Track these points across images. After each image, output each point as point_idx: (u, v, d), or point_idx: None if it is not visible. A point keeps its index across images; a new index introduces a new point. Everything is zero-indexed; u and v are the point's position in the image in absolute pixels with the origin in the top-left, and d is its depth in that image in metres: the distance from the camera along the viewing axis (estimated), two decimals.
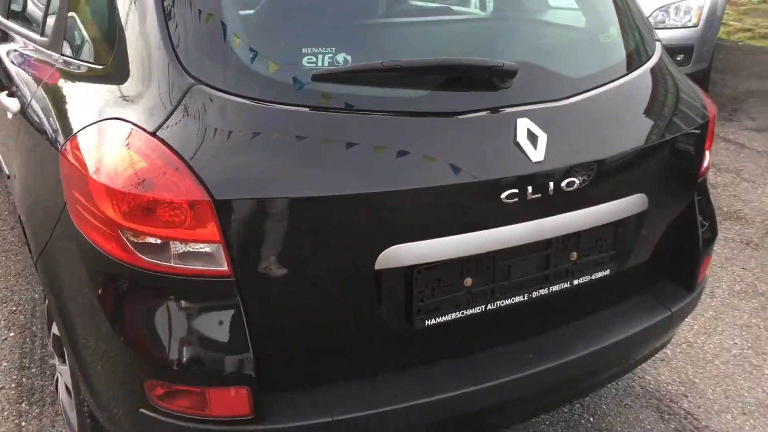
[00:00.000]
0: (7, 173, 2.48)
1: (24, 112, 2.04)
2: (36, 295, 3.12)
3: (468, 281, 1.68)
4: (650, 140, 1.86)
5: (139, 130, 1.52)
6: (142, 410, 1.59)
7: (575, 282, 1.84)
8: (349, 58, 1.61)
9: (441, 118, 1.61)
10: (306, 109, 1.55)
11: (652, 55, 2.04)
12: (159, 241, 1.48)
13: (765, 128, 5.50)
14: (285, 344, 1.58)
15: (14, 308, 3.05)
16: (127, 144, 1.52)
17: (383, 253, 1.55)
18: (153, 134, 1.50)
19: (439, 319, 1.67)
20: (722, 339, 2.94)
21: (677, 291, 2.10)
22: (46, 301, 2.11)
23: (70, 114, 1.76)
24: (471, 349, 1.78)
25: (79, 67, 1.87)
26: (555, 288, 1.81)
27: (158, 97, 1.55)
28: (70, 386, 1.98)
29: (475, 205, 1.61)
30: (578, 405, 2.55)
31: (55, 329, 2.03)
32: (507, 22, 2.05)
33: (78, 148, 1.61)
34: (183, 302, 1.52)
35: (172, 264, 1.49)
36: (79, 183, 1.57)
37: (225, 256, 1.48)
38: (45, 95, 1.95)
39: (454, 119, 1.62)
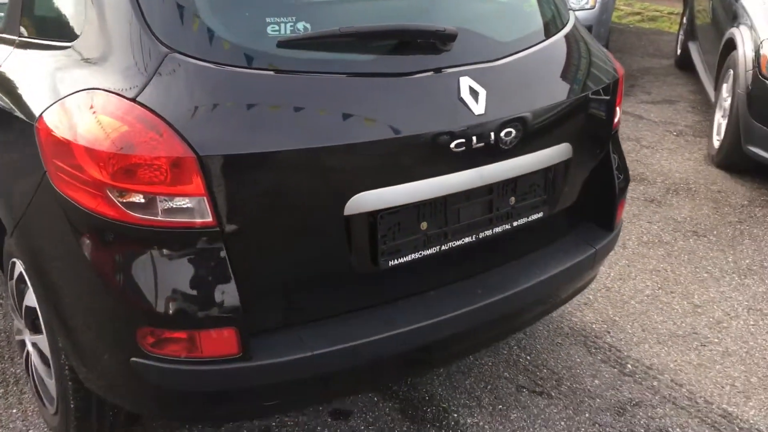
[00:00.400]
0: None
1: None
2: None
3: (424, 225, 1.88)
4: (571, 96, 2.11)
5: (119, 97, 1.65)
6: (134, 359, 1.72)
7: (514, 224, 2.07)
8: (308, 26, 1.78)
9: (393, 78, 1.81)
10: (272, 73, 1.71)
11: (567, 23, 2.29)
12: (146, 198, 1.61)
13: (659, 101, 5.95)
14: (267, 288, 1.74)
15: None
16: (109, 111, 1.64)
17: (351, 200, 1.73)
18: (133, 100, 1.63)
19: (401, 260, 1.87)
20: (635, 282, 3.26)
21: (599, 232, 2.37)
22: (15, 276, 2.19)
23: (39, 90, 1.85)
24: (428, 287, 1.98)
25: (42, 45, 1.96)
26: (498, 229, 2.03)
27: (135, 67, 1.67)
28: (48, 354, 2.06)
29: (427, 155, 1.81)
30: (515, 346, 2.80)
31: (28, 301, 2.11)
32: None
33: (56, 120, 1.72)
34: (172, 253, 1.65)
35: (159, 218, 1.63)
36: (61, 151, 1.68)
37: (209, 207, 1.62)
38: (7, 75, 2.02)
39: (405, 78, 1.82)
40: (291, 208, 1.70)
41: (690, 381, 2.64)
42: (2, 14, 2.28)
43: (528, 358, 2.75)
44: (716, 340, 2.87)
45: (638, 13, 9.97)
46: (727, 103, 4.56)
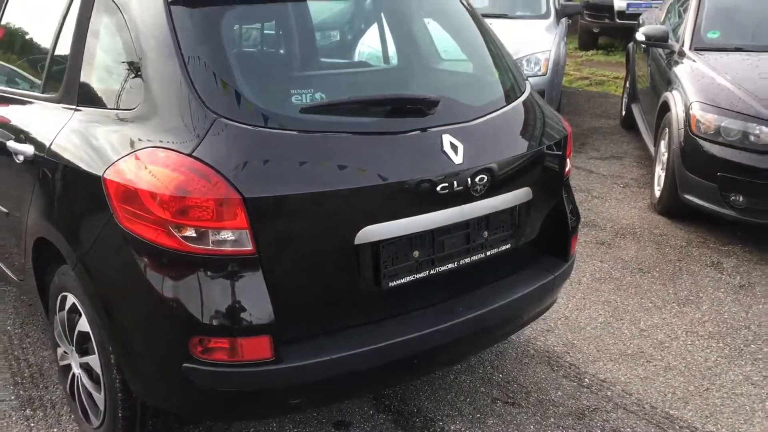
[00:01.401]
0: (5, 210, 2.89)
1: (43, 154, 2.51)
2: (9, 326, 3.47)
3: (416, 253, 2.33)
4: (530, 149, 2.61)
5: (178, 153, 2.09)
6: (185, 365, 2.11)
7: (488, 253, 2.53)
8: (324, 95, 2.26)
9: (391, 135, 2.28)
10: (296, 132, 2.17)
11: (524, 90, 2.81)
12: (200, 232, 2.03)
13: (607, 157, 6.56)
14: (293, 304, 2.16)
15: None
16: (170, 164, 2.07)
17: (360, 231, 2.18)
18: (190, 155, 2.07)
19: (398, 282, 2.31)
20: (590, 312, 3.74)
21: (556, 262, 2.84)
22: (66, 307, 2.55)
23: (104, 149, 2.27)
24: (420, 305, 2.42)
25: (101, 113, 2.39)
26: (474, 258, 2.49)
27: (189, 129, 2.11)
28: (99, 371, 2.42)
29: (418, 196, 2.28)
30: (489, 366, 3.23)
31: (80, 327, 2.48)
32: (423, 70, 2.77)
33: (122, 173, 2.14)
34: (219, 275, 2.07)
35: (210, 247, 2.05)
36: (128, 197, 2.10)
37: (251, 239, 2.05)
38: (70, 138, 2.43)
39: (400, 136, 2.29)
40: (313, 238, 2.14)
41: (638, 391, 3.09)
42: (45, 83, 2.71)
43: (500, 375, 3.18)
44: (659, 358, 3.34)
45: (586, 78, 10.74)
46: (664, 158, 5.15)
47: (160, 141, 2.14)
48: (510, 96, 2.72)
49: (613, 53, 12.45)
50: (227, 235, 2.05)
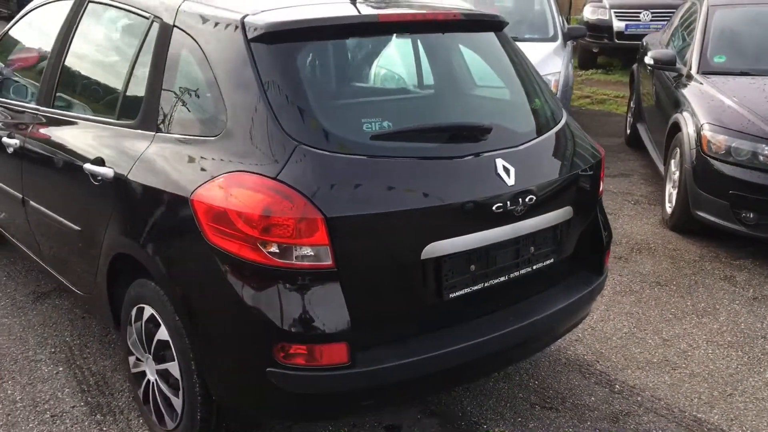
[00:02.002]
0: (78, 228, 3.09)
1: (125, 176, 2.71)
2: (68, 337, 3.66)
3: (472, 267, 2.55)
4: (570, 171, 2.83)
5: (263, 177, 2.30)
6: (269, 369, 2.32)
7: (534, 267, 2.75)
8: (390, 124, 2.48)
9: (451, 159, 2.51)
10: (366, 157, 2.39)
11: (562, 117, 3.04)
12: (285, 248, 2.25)
13: (616, 175, 6.80)
14: (366, 313, 2.36)
15: (52, 350, 3.58)
16: (257, 186, 2.29)
17: (426, 247, 2.40)
18: (275, 179, 2.29)
19: (457, 294, 2.52)
20: (614, 323, 3.96)
21: (592, 275, 3.06)
22: (144, 318, 2.75)
23: (189, 172, 2.48)
24: (475, 315, 2.63)
25: (184, 139, 2.59)
26: (522, 271, 2.71)
27: (272, 155, 2.33)
28: (177, 376, 2.62)
29: (476, 215, 2.50)
30: (525, 374, 3.44)
31: (159, 336, 2.68)
32: (472, 99, 3.00)
33: (210, 194, 2.35)
34: (302, 287, 2.28)
35: (294, 262, 2.26)
36: (217, 216, 2.31)
37: (331, 254, 2.27)
38: (152, 162, 2.64)
39: (459, 160, 2.52)
40: (384, 253, 2.36)
41: (666, 396, 3.31)
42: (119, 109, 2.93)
43: (536, 382, 3.39)
44: (684, 365, 3.56)
45: (588, 97, 11.01)
46: (675, 176, 5.39)
47: (245, 165, 2.35)
48: (550, 123, 2.94)
49: (612, 72, 12.74)
50: (309, 250, 2.26)
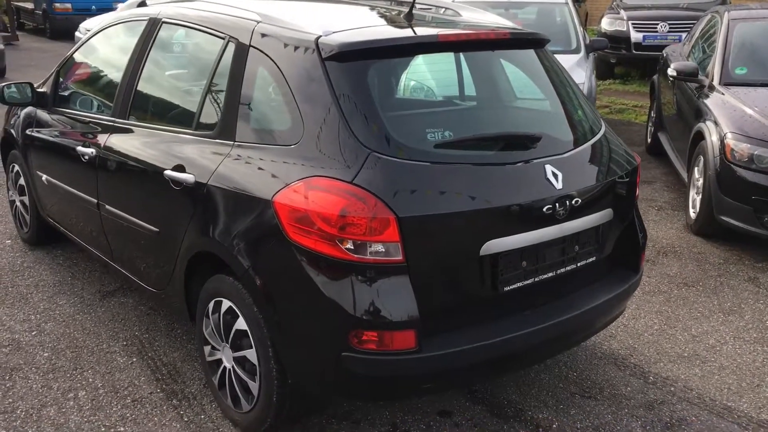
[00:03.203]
0: (156, 229, 3.38)
1: (206, 181, 3.00)
2: (137, 332, 3.95)
3: (524, 263, 2.81)
4: (610, 176, 3.10)
5: (340, 181, 2.58)
6: (344, 354, 2.59)
7: (578, 264, 3.01)
8: (451, 133, 2.76)
9: (505, 165, 2.78)
10: (430, 164, 2.66)
11: (602, 126, 3.30)
12: (361, 244, 2.52)
13: (640, 182, 7.03)
14: (430, 303, 2.63)
15: (124, 343, 3.86)
16: (335, 190, 2.57)
17: (484, 244, 2.67)
18: (351, 182, 2.56)
19: (510, 287, 2.79)
20: (645, 320, 4.20)
21: (629, 273, 3.31)
22: (222, 310, 3.03)
23: (270, 177, 2.76)
24: (525, 308, 2.89)
25: (262, 148, 2.88)
26: (567, 268, 2.97)
27: (347, 162, 2.60)
28: (255, 362, 2.89)
29: (528, 216, 2.76)
30: (563, 366, 3.70)
31: (238, 326, 2.95)
32: (520, 109, 3.27)
33: (291, 197, 2.63)
34: (375, 279, 2.55)
35: (368, 257, 2.53)
36: (298, 216, 2.59)
37: (401, 250, 2.54)
38: (233, 169, 2.92)
39: (511, 166, 2.78)
40: (448, 249, 2.63)
41: (697, 387, 3.55)
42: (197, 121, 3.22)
43: (575, 373, 3.64)
44: (713, 359, 3.80)
45: (606, 106, 11.25)
46: (699, 183, 5.63)
47: (323, 171, 2.63)
48: (591, 132, 3.21)
49: (630, 82, 12.97)
50: (382, 246, 2.53)
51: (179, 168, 3.17)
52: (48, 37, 19.27)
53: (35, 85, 4.57)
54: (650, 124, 8.38)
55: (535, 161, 2.85)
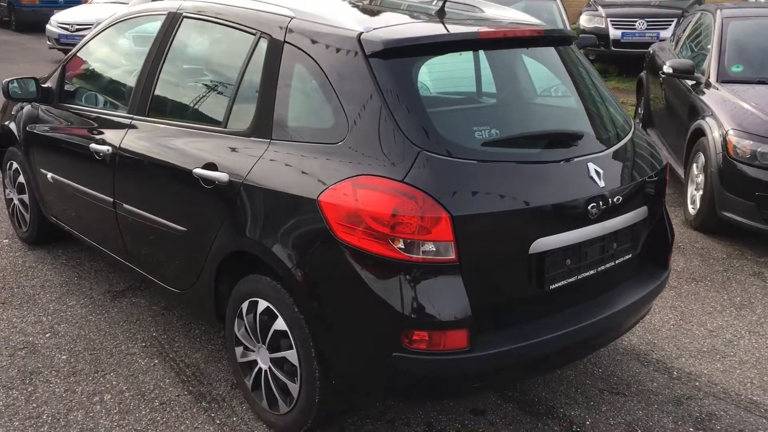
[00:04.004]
0: (183, 229, 3.31)
1: (242, 180, 2.94)
2: (155, 333, 3.87)
3: (568, 261, 2.81)
4: (645, 174, 3.11)
5: (391, 180, 2.55)
6: (395, 354, 2.56)
7: (616, 262, 3.02)
8: (498, 131, 2.74)
9: (551, 163, 2.77)
10: (480, 162, 2.65)
11: (632, 125, 3.32)
12: (415, 244, 2.49)
13: None
14: (481, 302, 2.61)
15: (143, 344, 3.79)
16: (385, 188, 2.53)
17: (533, 243, 2.66)
18: (402, 182, 2.53)
19: (555, 285, 2.79)
20: (661, 316, 4.24)
21: (659, 270, 3.33)
22: (259, 311, 2.97)
23: (314, 176, 2.71)
24: (568, 305, 2.90)
25: (302, 146, 2.82)
26: (607, 266, 2.98)
27: (397, 160, 2.57)
28: (296, 363, 2.85)
29: (574, 214, 2.76)
30: (588, 362, 3.71)
31: (277, 326, 2.91)
32: (561, 108, 3.26)
33: (339, 196, 2.59)
34: (428, 279, 2.53)
35: (421, 256, 2.51)
36: (347, 215, 2.55)
37: (454, 249, 2.52)
38: (272, 168, 2.87)
39: (555, 164, 2.78)
40: (499, 248, 2.62)
41: (721, 381, 3.59)
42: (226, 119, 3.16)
43: (600, 370, 3.66)
44: (732, 354, 3.85)
45: None
46: (699, 179, 5.70)
47: (371, 169, 2.59)
48: (624, 130, 3.22)
49: (609, 79, 13.08)
50: (436, 246, 2.51)
51: (210, 166, 3.10)
52: (14, 29, 18.85)
53: (40, 80, 4.44)
54: (638, 120, 8.46)
55: (578, 159, 2.84)
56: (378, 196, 2.54)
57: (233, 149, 3.08)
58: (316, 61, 2.85)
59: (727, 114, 5.54)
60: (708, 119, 5.70)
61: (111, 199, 3.79)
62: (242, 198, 2.95)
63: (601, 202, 2.81)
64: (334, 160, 2.70)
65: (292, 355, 2.88)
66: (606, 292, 3.07)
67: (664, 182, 3.30)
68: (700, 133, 5.76)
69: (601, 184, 2.83)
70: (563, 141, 2.87)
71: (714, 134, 5.49)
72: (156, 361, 3.62)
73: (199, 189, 3.15)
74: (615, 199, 2.87)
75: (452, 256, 2.52)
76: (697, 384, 3.56)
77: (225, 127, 3.19)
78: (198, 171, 3.14)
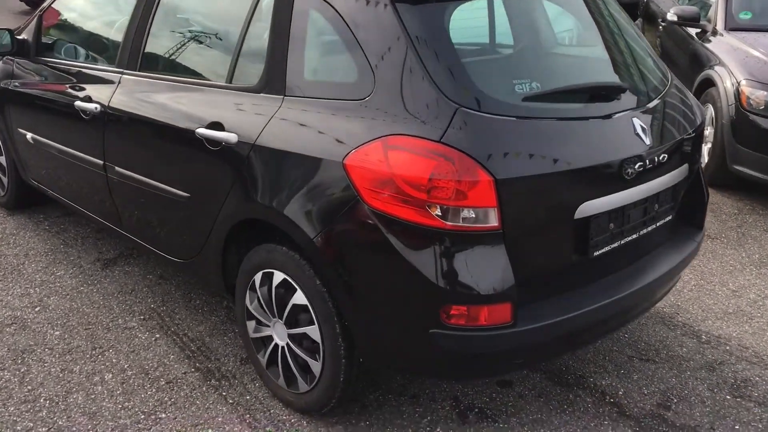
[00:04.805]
0: (186, 194, 3.03)
1: (254, 141, 2.67)
2: (153, 305, 3.62)
3: (611, 225, 2.60)
4: (686, 130, 2.89)
5: (426, 139, 2.29)
6: (433, 330, 2.34)
7: (657, 224, 2.82)
8: (539, 85, 2.49)
9: (596, 120, 2.54)
10: (522, 119, 2.40)
11: (671, 77, 3.08)
12: (454, 210, 2.26)
13: None
14: (524, 273, 2.39)
15: (141, 317, 3.53)
16: (421, 150, 2.28)
17: (579, 207, 2.44)
18: (439, 142, 2.28)
19: (599, 252, 2.58)
20: (682, 276, 4.08)
21: (694, 231, 3.14)
22: (275, 283, 2.73)
23: (338, 136, 2.45)
24: (611, 272, 2.69)
25: (321, 103, 2.55)
26: (648, 229, 2.77)
27: (432, 118, 2.31)
28: (318, 340, 2.63)
29: (621, 174, 2.53)
30: None
31: (296, 300, 2.67)
32: (604, 59, 2.98)
33: (369, 157, 2.34)
34: (469, 249, 2.30)
35: (461, 224, 2.27)
36: (378, 180, 2.30)
37: (497, 215, 2.29)
38: (289, 126, 2.59)
39: (603, 120, 2.55)
40: (544, 214, 2.39)
41: (752, 345, 3.44)
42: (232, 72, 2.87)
43: (626, 336, 3.49)
44: (759, 314, 3.71)
45: None
46: (707, 131, 5.51)
47: (403, 128, 2.34)
48: (663, 82, 2.99)
49: None
50: (477, 212, 2.27)
51: (215, 126, 2.82)
52: None
53: (14, 31, 4.08)
54: None
55: (622, 114, 2.61)
56: (412, 158, 2.29)
57: (241, 107, 2.79)
58: (334, 8, 2.56)
59: (738, 63, 5.33)
60: (717, 68, 5.49)
61: (101, 162, 3.49)
62: (254, 161, 2.69)
63: (647, 161, 2.59)
64: (360, 118, 2.44)
65: (313, 331, 2.65)
66: (644, 256, 2.87)
67: (701, 138, 3.08)
68: (708, 83, 5.56)
69: (647, 141, 2.60)
70: (606, 95, 2.63)
71: (725, 84, 5.29)
72: (157, 336, 3.37)
73: (203, 151, 2.88)
74: (660, 158, 2.65)
75: (495, 223, 2.29)
76: (728, 348, 3.41)
77: (230, 82, 2.90)
78: (202, 131, 2.86)
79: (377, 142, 2.36)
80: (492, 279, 2.32)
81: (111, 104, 3.36)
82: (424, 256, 2.31)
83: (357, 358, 2.60)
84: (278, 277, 2.72)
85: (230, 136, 2.75)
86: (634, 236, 2.71)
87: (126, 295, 3.72)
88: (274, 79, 2.71)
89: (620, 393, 3.08)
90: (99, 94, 3.47)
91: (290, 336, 2.77)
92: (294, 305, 2.69)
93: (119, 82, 3.39)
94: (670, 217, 2.88)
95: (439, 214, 2.27)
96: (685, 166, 2.88)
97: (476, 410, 2.93)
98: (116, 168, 3.41)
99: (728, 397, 3.07)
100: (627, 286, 2.67)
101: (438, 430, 2.81)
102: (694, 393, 3.09)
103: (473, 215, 2.27)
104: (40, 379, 3.04)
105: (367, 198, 2.34)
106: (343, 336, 2.56)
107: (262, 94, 2.74)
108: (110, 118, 3.37)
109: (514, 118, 2.38)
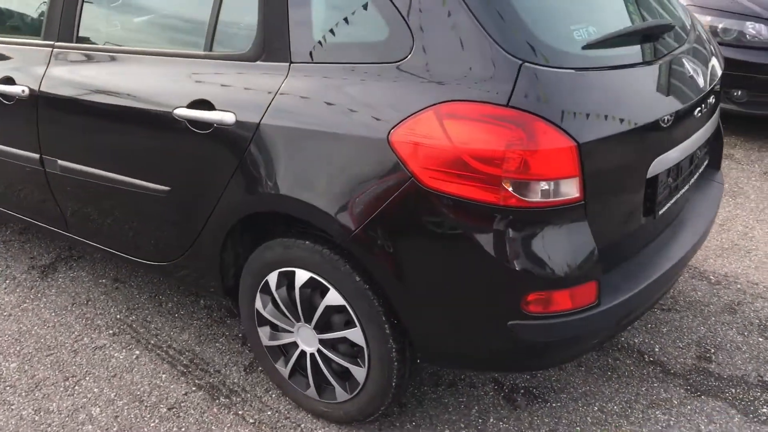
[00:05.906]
0: (166, 188, 2.54)
1: (258, 120, 2.22)
2: (119, 315, 3.12)
3: (670, 180, 2.37)
4: (720, 72, 2.68)
5: (491, 104, 1.94)
6: (511, 322, 2.04)
7: (699, 172, 2.62)
8: (595, 29, 2.18)
9: (652, 64, 2.26)
10: (588, 71, 2.07)
11: (692, 19, 2.84)
12: (531, 184, 1.94)
13: None
14: (602, 245, 2.11)
15: (110, 332, 3.02)
16: (487, 117, 1.93)
17: (651, 164, 2.18)
18: (507, 105, 1.94)
19: (663, 210, 2.35)
20: None
21: (715, 171, 2.97)
22: (299, 283, 2.34)
23: (374, 107, 2.05)
24: (663, 230, 2.47)
25: (341, 67, 2.13)
26: (694, 178, 2.57)
27: (492, 78, 1.96)
28: (362, 343, 2.27)
29: (686, 122, 2.29)
30: None
31: (329, 300, 2.29)
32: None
33: (422, 130, 1.96)
34: (551, 227, 1.99)
35: (540, 199, 1.96)
36: (438, 156, 1.94)
37: (580, 186, 1.99)
38: (304, 99, 2.15)
39: (662, 64, 2.27)
40: (621, 176, 2.12)
41: (761, 280, 3.38)
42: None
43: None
44: (754, 247, 3.65)
45: None
46: None
47: (459, 93, 1.97)
48: (687, 16, 2.76)
49: None
50: (558, 184, 1.96)
51: (202, 104, 2.34)
52: None
53: None
54: None
55: (674, 55, 2.36)
56: (479, 127, 1.93)
57: (231, 78, 2.32)
58: None
59: None
60: None
61: (36, 156, 2.91)
62: (261, 144, 2.24)
63: (704, 105, 2.36)
64: (397, 84, 2.05)
65: (354, 334, 2.29)
66: (689, 205, 2.68)
67: (723, 77, 2.89)
68: None
69: (701, 83, 2.37)
70: (655, 35, 2.35)
71: None
72: (137, 353, 2.89)
73: (184, 135, 2.40)
74: (711, 100, 2.43)
75: (577, 194, 1.99)
76: (739, 287, 3.33)
77: (210, 49, 2.41)
78: (182, 112, 2.37)
79: (428, 111, 1.98)
80: (577, 257, 2.04)
81: (43, 86, 2.78)
82: (501, 239, 1.98)
83: (411, 360, 2.27)
84: (302, 276, 2.32)
85: (225, 116, 2.29)
86: (685, 188, 2.50)
87: (82, 307, 3.18)
88: (274, 43, 2.25)
89: (656, 350, 2.91)
90: (24, 74, 2.86)
91: (322, 341, 2.39)
92: (327, 306, 2.31)
93: (51, 58, 2.79)
94: (706, 163, 2.69)
95: (514, 190, 1.94)
96: (718, 110, 2.68)
97: (522, 391, 2.68)
98: (58, 162, 2.84)
99: (761, 339, 2.97)
100: (686, 243, 2.47)
101: (491, 420, 2.55)
102: (727, 339, 2.97)
103: (553, 188, 1.96)
104: (12, 428, 2.51)
105: (424, 178, 1.98)
106: (394, 337, 2.22)
107: (258, 62, 2.28)
108: (43, 102, 2.79)
109: (582, 71, 2.06)
